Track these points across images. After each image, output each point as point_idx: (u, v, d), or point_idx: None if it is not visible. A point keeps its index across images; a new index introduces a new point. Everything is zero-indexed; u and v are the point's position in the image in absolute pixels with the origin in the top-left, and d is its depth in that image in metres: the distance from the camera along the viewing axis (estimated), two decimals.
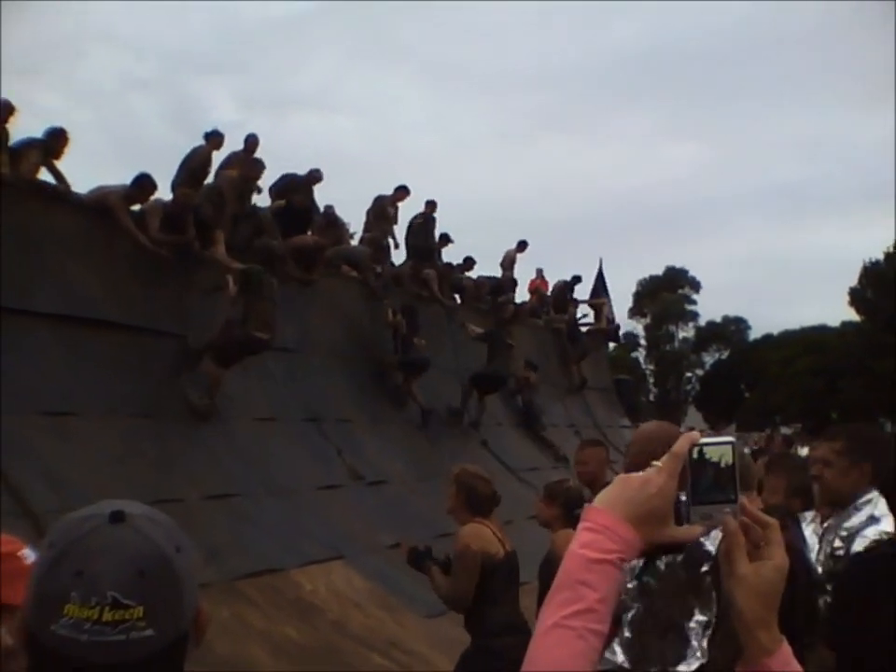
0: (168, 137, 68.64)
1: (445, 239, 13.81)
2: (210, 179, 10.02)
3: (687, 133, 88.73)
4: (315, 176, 11.32)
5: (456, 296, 13.76)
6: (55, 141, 8.45)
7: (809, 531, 3.53)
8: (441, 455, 10.52)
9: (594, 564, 1.00)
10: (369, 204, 13.06)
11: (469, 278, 14.20)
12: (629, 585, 2.39)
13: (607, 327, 18.42)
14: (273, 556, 6.83)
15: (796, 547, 2.85)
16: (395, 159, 77.76)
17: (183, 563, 1.03)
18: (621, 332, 24.30)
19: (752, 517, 1.04)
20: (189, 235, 8.25)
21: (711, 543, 2.12)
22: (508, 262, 15.59)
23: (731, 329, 54.77)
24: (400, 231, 13.36)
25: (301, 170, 11.34)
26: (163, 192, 8.75)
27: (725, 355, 54.15)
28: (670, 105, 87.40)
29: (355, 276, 11.10)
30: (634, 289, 54.78)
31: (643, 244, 79.61)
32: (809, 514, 3.73)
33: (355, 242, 12.71)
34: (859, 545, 3.08)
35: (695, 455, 1.04)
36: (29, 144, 8.23)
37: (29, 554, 1.40)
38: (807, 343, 45.22)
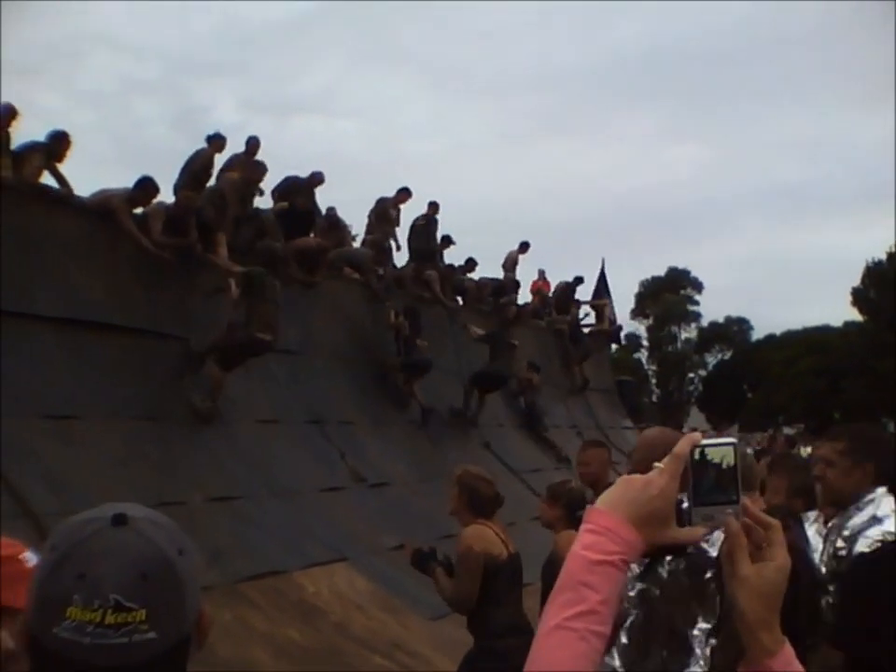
0: (170, 140, 68.73)
1: (447, 241, 13.82)
2: (212, 182, 10.04)
3: (687, 133, 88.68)
4: (316, 179, 11.33)
5: (458, 297, 13.77)
6: (57, 144, 8.46)
7: (812, 531, 3.53)
8: (443, 457, 10.52)
9: (596, 565, 1.00)
10: (370, 206, 13.09)
11: (471, 280, 14.21)
12: (630, 593, 2.38)
13: (609, 328, 18.43)
14: (275, 559, 6.83)
15: (799, 547, 2.84)
16: (396, 161, 77.75)
17: (185, 565, 1.03)
18: (623, 333, 24.32)
19: (754, 518, 1.04)
20: (192, 238, 8.26)
21: (714, 548, 2.11)
22: (510, 264, 15.60)
23: (733, 330, 54.69)
24: (402, 232, 13.40)
25: (303, 172, 11.37)
26: (166, 195, 8.79)
27: (728, 355, 54.06)
28: (671, 105, 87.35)
29: (357, 278, 11.11)
30: (636, 290, 54.80)
31: (644, 244, 79.57)
32: (812, 514, 3.74)
33: (357, 244, 12.72)
34: (862, 545, 3.08)
35: (697, 457, 1.04)
36: (32, 147, 8.24)
37: (30, 557, 1.40)
38: (810, 344, 45.14)
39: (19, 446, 5.93)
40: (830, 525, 3.34)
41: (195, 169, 9.98)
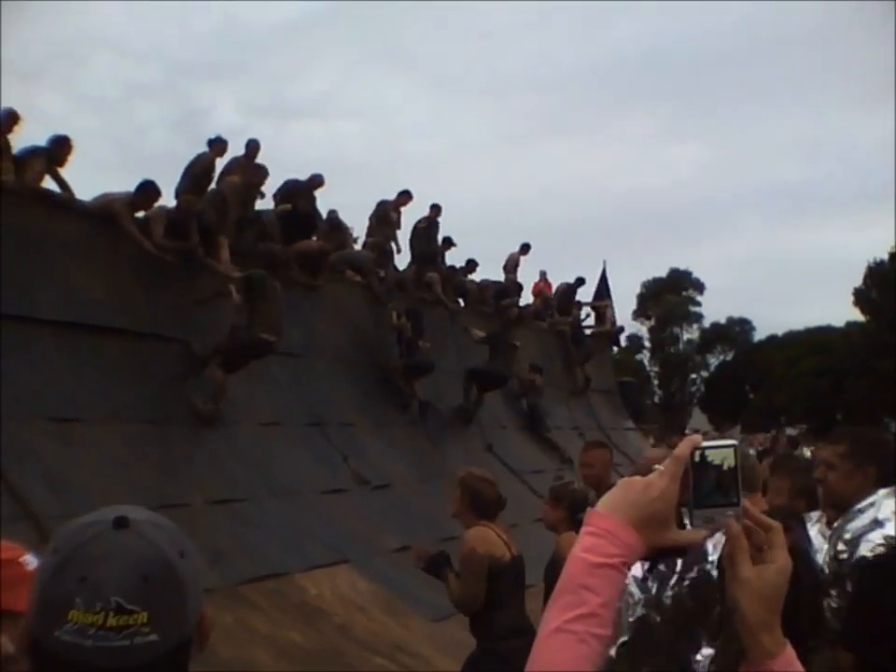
0: (171, 143, 68.83)
1: (448, 242, 13.83)
2: (213, 186, 10.04)
3: (687, 133, 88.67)
4: (316, 181, 11.33)
5: (460, 299, 13.77)
6: (59, 149, 8.47)
7: (815, 531, 3.52)
8: (444, 458, 10.53)
9: (596, 568, 1.00)
10: (372, 209, 13.09)
11: (473, 281, 14.21)
12: (630, 619, 2.37)
13: (610, 329, 18.42)
14: (277, 561, 6.83)
15: (801, 548, 2.84)
16: (396, 161, 77.85)
17: (187, 568, 1.03)
18: (624, 334, 24.31)
19: (755, 520, 1.04)
20: (193, 241, 8.27)
21: (716, 551, 2.10)
22: (511, 265, 15.61)
23: (735, 331, 54.66)
24: (404, 235, 13.41)
25: (304, 175, 11.38)
26: (167, 199, 8.80)
27: (730, 356, 54.05)
28: (670, 105, 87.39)
29: (359, 281, 11.12)
30: (637, 291, 54.80)
31: (645, 245, 79.55)
32: (815, 514, 3.73)
33: (358, 246, 12.72)
34: (864, 549, 3.07)
35: (697, 459, 1.04)
36: (33, 152, 8.25)
37: (30, 561, 1.40)
38: (812, 344, 45.10)
39: (19, 448, 5.94)
40: (835, 525, 3.33)
41: (196, 173, 9.99)
